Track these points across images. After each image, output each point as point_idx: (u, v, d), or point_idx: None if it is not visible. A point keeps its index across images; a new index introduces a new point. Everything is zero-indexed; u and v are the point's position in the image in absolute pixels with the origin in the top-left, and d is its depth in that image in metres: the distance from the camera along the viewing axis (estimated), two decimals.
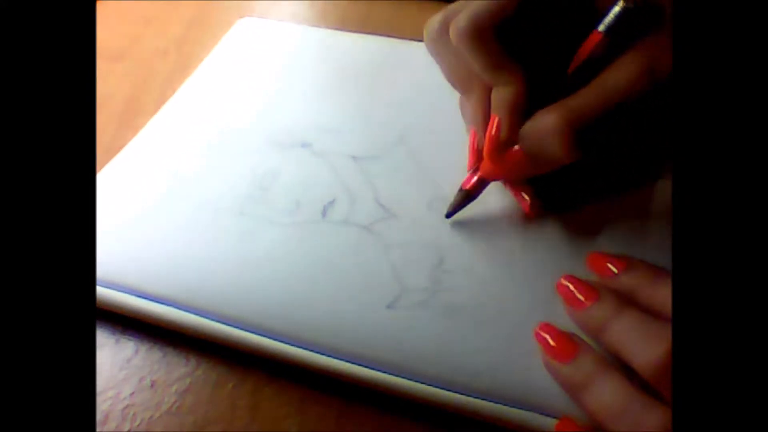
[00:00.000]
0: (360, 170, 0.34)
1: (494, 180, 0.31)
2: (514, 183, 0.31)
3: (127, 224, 0.31)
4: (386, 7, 0.47)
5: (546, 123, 0.27)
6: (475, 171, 0.30)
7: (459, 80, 0.31)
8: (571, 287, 0.26)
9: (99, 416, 0.26)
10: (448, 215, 0.31)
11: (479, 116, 0.30)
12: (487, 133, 0.29)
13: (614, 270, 0.27)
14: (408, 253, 0.30)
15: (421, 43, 0.31)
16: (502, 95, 0.28)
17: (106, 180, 0.33)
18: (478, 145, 0.30)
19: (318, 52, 0.42)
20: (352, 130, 0.36)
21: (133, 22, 0.47)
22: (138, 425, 0.26)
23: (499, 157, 0.29)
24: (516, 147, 0.28)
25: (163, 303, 0.28)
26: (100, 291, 0.29)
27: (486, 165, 0.30)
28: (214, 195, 0.32)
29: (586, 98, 0.27)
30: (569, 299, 0.26)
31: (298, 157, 0.34)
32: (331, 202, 0.32)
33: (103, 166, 0.34)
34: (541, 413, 0.25)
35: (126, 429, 0.26)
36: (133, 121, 0.38)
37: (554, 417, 0.24)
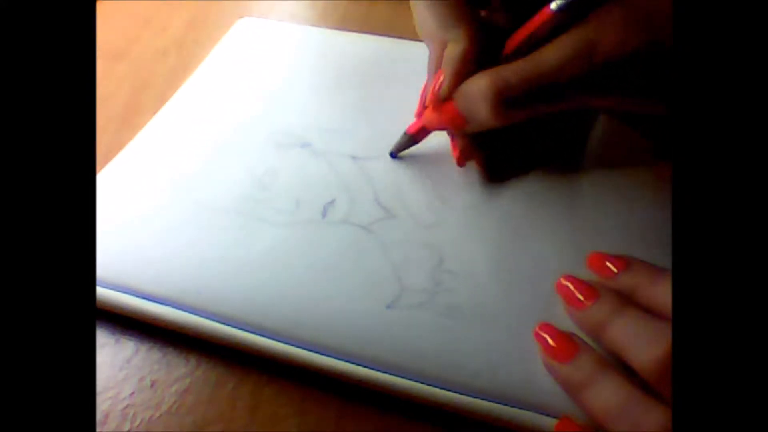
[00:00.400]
0: (360, 170, 0.34)
1: (434, 130, 0.33)
2: (454, 134, 0.33)
3: (127, 224, 0.31)
4: (386, 7, 0.47)
5: (476, 84, 0.29)
6: (419, 118, 0.33)
7: (423, 35, 0.32)
8: (571, 287, 0.26)
9: (99, 416, 0.26)
10: (392, 154, 0.34)
11: (431, 69, 0.31)
12: (431, 85, 0.31)
13: (614, 270, 0.27)
14: (408, 253, 0.30)
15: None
16: (450, 52, 0.29)
17: (107, 180, 0.33)
18: (425, 95, 0.32)
19: (318, 52, 0.42)
20: (352, 130, 0.36)
21: (133, 22, 0.47)
22: (138, 425, 0.26)
23: (438, 109, 0.31)
24: (449, 102, 0.30)
25: (163, 303, 0.28)
26: (100, 291, 0.29)
27: (427, 114, 0.32)
28: (214, 195, 0.32)
29: (518, 70, 0.28)
30: (569, 299, 0.26)
31: (298, 157, 0.34)
32: (331, 202, 0.32)
33: (103, 166, 0.34)
34: (541, 413, 0.25)
35: (126, 429, 0.26)
36: (133, 121, 0.38)
37: (554, 417, 0.24)
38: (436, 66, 0.31)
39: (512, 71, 0.28)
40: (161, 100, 0.38)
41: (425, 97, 0.32)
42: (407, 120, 0.35)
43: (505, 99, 0.28)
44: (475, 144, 0.32)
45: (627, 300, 0.25)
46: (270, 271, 0.29)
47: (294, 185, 0.33)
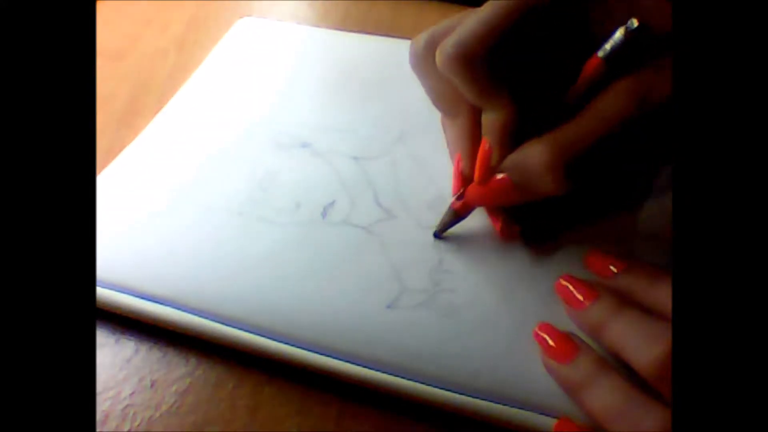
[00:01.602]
0: (360, 170, 0.34)
1: (480, 206, 0.30)
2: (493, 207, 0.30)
3: (127, 225, 0.31)
4: (386, 7, 0.47)
5: (535, 155, 0.26)
6: (460, 196, 0.30)
7: (444, 103, 0.30)
8: (571, 287, 0.26)
9: (99, 416, 0.26)
10: (436, 235, 0.30)
11: (466, 141, 0.29)
12: (478, 158, 0.28)
13: (613, 270, 0.27)
14: (408, 254, 0.30)
15: None
16: (492, 120, 0.27)
17: (107, 181, 0.33)
18: (463, 170, 0.30)
19: (318, 52, 0.42)
20: (352, 130, 0.36)
21: (133, 22, 0.47)
22: (138, 425, 0.26)
23: (485, 184, 0.28)
24: (501, 175, 0.27)
25: (163, 303, 0.28)
26: (100, 291, 0.29)
27: (473, 190, 0.29)
28: (214, 195, 0.32)
29: (576, 129, 0.26)
30: (568, 299, 0.26)
31: (298, 158, 0.34)
32: (331, 203, 0.32)
33: (103, 167, 0.34)
34: (541, 413, 0.25)
35: (126, 429, 0.26)
36: (133, 121, 0.38)
37: (554, 417, 0.24)
38: (467, 137, 0.29)
39: (569, 131, 0.26)
40: (161, 100, 0.38)
41: (461, 173, 0.30)
42: (407, 120, 0.35)
43: (567, 165, 0.25)
44: (513, 214, 0.30)
45: (626, 300, 0.25)
46: (270, 271, 0.29)
47: (294, 186, 0.33)
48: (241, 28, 0.43)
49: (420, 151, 0.34)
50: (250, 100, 0.38)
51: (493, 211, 0.30)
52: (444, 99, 0.30)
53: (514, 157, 0.27)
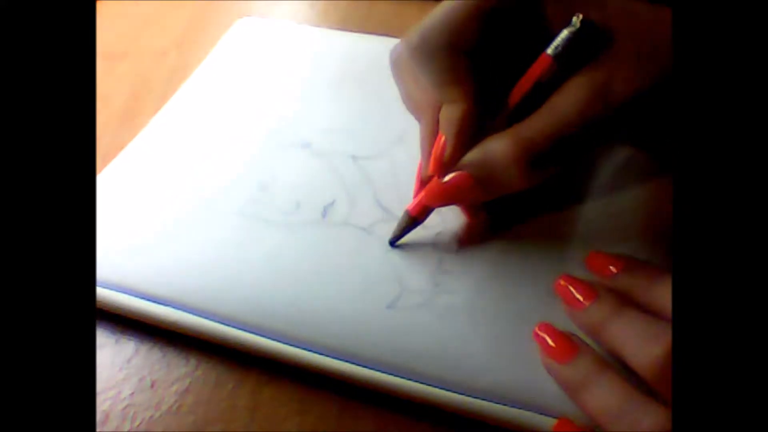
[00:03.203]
0: (360, 170, 0.34)
1: (438, 206, 0.29)
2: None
3: (127, 225, 0.31)
4: (386, 7, 0.47)
5: (498, 149, 0.26)
6: (419, 196, 0.29)
7: (413, 104, 0.30)
8: (570, 287, 0.26)
9: (99, 416, 0.26)
10: (391, 243, 0.30)
11: (426, 141, 0.29)
12: (432, 154, 0.27)
13: (613, 270, 0.27)
14: (407, 254, 0.30)
15: None
16: (448, 114, 0.27)
17: (107, 181, 0.33)
18: (423, 173, 0.30)
19: (318, 52, 0.42)
20: (352, 130, 0.36)
21: (133, 22, 0.47)
22: (138, 425, 0.26)
23: (443, 183, 0.27)
24: (460, 172, 0.27)
25: (163, 303, 0.28)
26: (100, 291, 0.29)
27: (431, 190, 0.28)
28: (214, 195, 0.32)
29: (539, 125, 0.26)
30: (568, 299, 0.26)
31: (298, 158, 0.34)
32: (331, 203, 0.32)
33: (103, 166, 0.34)
34: (540, 413, 0.25)
35: (126, 429, 0.26)
36: (133, 121, 0.38)
37: (553, 417, 0.24)
38: (427, 138, 0.29)
39: (533, 128, 0.26)
40: (161, 100, 0.38)
41: (419, 176, 0.30)
42: (407, 120, 0.35)
43: (532, 159, 0.26)
44: (481, 208, 0.30)
45: (626, 300, 0.25)
46: (270, 271, 0.29)
47: (294, 186, 0.33)
48: (240, 28, 0.43)
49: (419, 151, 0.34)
50: (250, 100, 0.38)
51: (469, 210, 0.30)
52: (411, 100, 0.30)
53: (475, 153, 0.27)
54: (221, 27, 0.44)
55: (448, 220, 0.31)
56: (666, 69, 0.26)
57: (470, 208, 0.30)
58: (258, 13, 0.47)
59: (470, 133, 0.27)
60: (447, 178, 0.27)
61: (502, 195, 0.28)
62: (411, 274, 0.29)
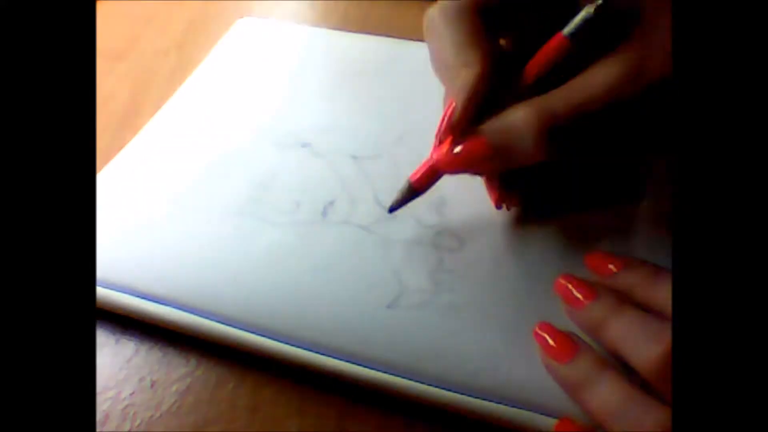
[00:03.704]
0: (360, 170, 0.33)
1: (448, 172, 0.28)
2: (489, 176, 0.30)
3: (127, 224, 0.31)
4: (386, 7, 0.47)
5: (519, 118, 0.26)
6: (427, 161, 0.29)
7: (437, 67, 0.29)
8: (570, 286, 0.26)
9: (99, 416, 0.26)
10: (390, 210, 0.30)
11: (445, 104, 0.28)
12: (442, 116, 0.27)
13: (613, 269, 0.27)
14: (408, 253, 0.30)
15: (421, 43, 0.31)
16: (462, 76, 0.26)
17: (106, 180, 0.33)
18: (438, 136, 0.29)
19: (318, 52, 0.42)
20: (352, 130, 0.36)
21: (133, 22, 0.47)
22: (138, 425, 0.26)
23: (458, 148, 0.27)
24: (476, 137, 0.26)
25: (163, 303, 0.28)
26: (100, 291, 0.29)
27: (441, 155, 0.27)
28: (214, 195, 0.32)
29: (564, 98, 0.26)
30: (568, 298, 0.26)
31: (298, 157, 0.34)
32: (331, 203, 0.32)
33: (103, 166, 0.34)
34: (541, 413, 0.25)
35: (126, 429, 0.26)
36: (133, 121, 0.38)
37: (554, 417, 0.24)
38: (445, 102, 0.28)
39: (557, 98, 0.26)
40: (161, 100, 0.38)
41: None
42: (407, 120, 0.35)
43: (551, 130, 0.25)
44: (510, 184, 0.29)
45: (626, 299, 0.25)
46: (270, 271, 0.29)
47: (294, 185, 0.33)
48: (241, 28, 0.43)
49: (420, 150, 0.34)
50: (250, 99, 0.38)
51: (490, 181, 0.30)
52: (436, 63, 0.29)
53: (494, 120, 0.26)
54: (221, 27, 0.44)
55: (448, 219, 0.31)
56: None
57: (497, 190, 0.29)
58: (258, 13, 0.47)
59: (481, 98, 0.26)
60: (461, 145, 0.27)
61: (514, 167, 0.27)
62: (411, 274, 0.29)
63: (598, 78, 0.26)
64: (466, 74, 0.26)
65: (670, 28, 0.24)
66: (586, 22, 0.26)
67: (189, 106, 0.38)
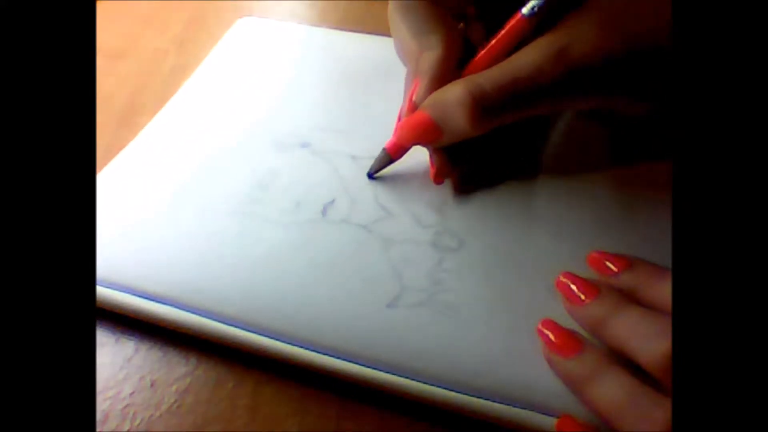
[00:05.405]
0: (360, 170, 0.34)
1: (409, 144, 0.31)
2: (434, 150, 0.32)
3: (127, 224, 0.31)
4: (385, 7, 0.47)
5: (451, 93, 0.28)
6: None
7: (401, 53, 0.32)
8: (571, 284, 0.26)
9: (99, 416, 0.26)
10: (369, 175, 0.33)
11: (407, 85, 0.31)
12: (406, 97, 0.30)
13: (614, 269, 0.27)
14: (408, 253, 0.30)
15: None
16: (425, 59, 0.29)
17: (106, 180, 0.33)
18: (401, 113, 0.32)
19: (318, 52, 0.42)
20: (352, 130, 0.36)
21: (133, 22, 0.47)
22: (138, 425, 0.26)
23: (411, 122, 0.30)
24: (420, 110, 0.29)
25: (163, 303, 0.28)
26: (100, 290, 0.29)
27: (401, 129, 0.31)
28: (214, 195, 0.32)
29: (493, 76, 0.28)
30: (569, 296, 0.26)
31: (298, 157, 0.34)
32: (331, 202, 0.32)
33: (103, 166, 0.34)
34: (542, 412, 0.25)
35: (126, 429, 0.26)
36: (133, 121, 0.38)
37: (554, 416, 0.24)
38: (407, 84, 0.31)
39: (487, 78, 0.28)
40: (161, 100, 0.38)
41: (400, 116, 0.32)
42: None
43: (481, 106, 0.27)
44: (451, 159, 0.31)
45: (628, 298, 0.25)
46: (270, 270, 0.29)
47: (294, 185, 0.33)
48: (241, 28, 0.43)
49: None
50: (250, 99, 0.38)
51: (432, 156, 0.32)
52: (400, 49, 0.32)
53: (435, 95, 0.29)
54: (221, 27, 0.44)
55: (448, 219, 0.31)
56: (633, 48, 0.26)
57: (436, 163, 0.31)
58: (258, 13, 0.47)
59: (443, 79, 0.29)
60: (410, 116, 0.30)
61: (459, 139, 0.29)
62: (411, 273, 0.29)
63: (522, 60, 0.27)
64: (429, 57, 0.29)
65: (605, 14, 0.27)
66: (545, 1, 0.27)
67: (189, 105, 0.38)
